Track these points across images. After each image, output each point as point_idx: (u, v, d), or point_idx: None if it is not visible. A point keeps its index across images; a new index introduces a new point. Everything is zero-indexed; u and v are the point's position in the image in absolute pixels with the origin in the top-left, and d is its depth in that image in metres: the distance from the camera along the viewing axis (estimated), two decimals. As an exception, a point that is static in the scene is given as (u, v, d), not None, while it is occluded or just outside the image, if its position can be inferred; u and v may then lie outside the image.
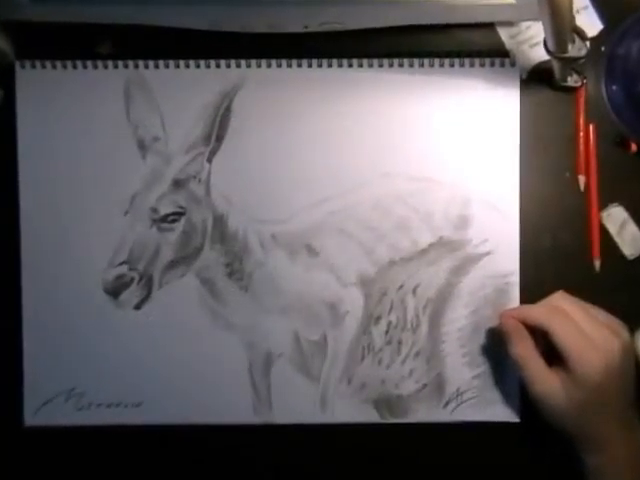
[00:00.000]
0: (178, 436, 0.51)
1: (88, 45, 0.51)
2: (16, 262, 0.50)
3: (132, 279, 0.50)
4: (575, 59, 0.45)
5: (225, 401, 0.51)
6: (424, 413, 0.51)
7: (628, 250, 0.51)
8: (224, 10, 0.47)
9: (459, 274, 0.51)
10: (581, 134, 0.51)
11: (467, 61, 0.51)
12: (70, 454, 0.51)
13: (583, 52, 0.44)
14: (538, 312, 0.47)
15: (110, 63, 0.51)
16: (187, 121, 0.50)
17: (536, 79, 0.51)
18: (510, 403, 0.51)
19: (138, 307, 0.50)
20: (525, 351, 0.46)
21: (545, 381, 0.45)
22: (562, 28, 0.42)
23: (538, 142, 0.51)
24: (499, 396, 0.51)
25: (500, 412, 0.50)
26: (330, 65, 0.50)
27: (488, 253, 0.51)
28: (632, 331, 0.48)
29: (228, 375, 0.51)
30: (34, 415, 0.51)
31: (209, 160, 0.50)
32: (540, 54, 0.49)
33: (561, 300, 0.47)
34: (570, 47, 0.44)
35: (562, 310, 0.46)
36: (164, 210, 0.50)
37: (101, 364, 0.51)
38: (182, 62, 0.51)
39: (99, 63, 0.51)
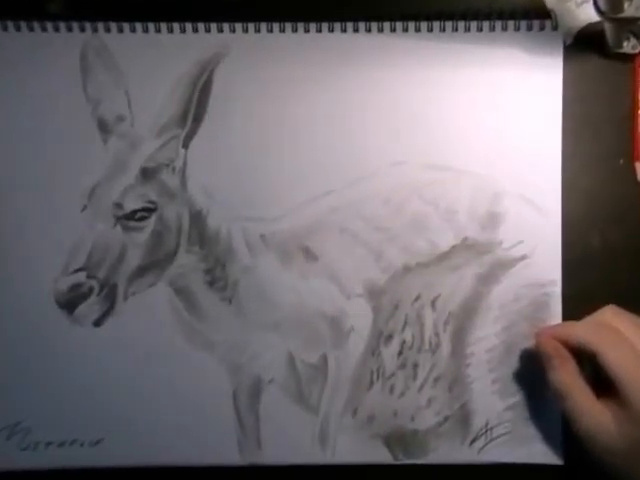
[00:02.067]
0: (146, 481, 0.49)
1: (35, 2, 0.49)
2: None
3: (91, 289, 0.47)
4: (633, 20, 0.43)
5: (204, 438, 0.49)
6: (446, 452, 0.49)
7: (695, 256, 0.49)
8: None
9: (488, 283, 0.49)
10: (639, 112, 0.49)
11: (499, 24, 0.48)
12: (12, 504, 0.49)
13: (643, 11, 0.43)
14: (583, 330, 0.44)
15: (63, 25, 0.48)
16: (158, 97, 0.48)
17: (583, 45, 0.48)
18: (551, 441, 0.48)
19: (98, 323, 0.48)
20: (568, 378, 0.43)
21: (593, 415, 0.42)
22: (617, -19, 0.40)
23: (585, 122, 0.49)
24: (537, 432, 0.48)
25: (539, 452, 0.48)
26: (331, 30, 0.48)
27: (523, 257, 0.48)
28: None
29: (207, 405, 0.48)
30: (-32, 456, 0.49)
31: (185, 145, 0.48)
32: (589, 14, 0.47)
33: (612, 316, 0.45)
34: (627, 5, 0.42)
35: (613, 328, 0.44)
36: (130, 205, 0.48)
37: (52, 393, 0.48)
38: (152, 25, 0.48)
39: (49, 25, 0.48)
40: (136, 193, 0.48)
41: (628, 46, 0.47)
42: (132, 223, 0.48)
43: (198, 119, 0.48)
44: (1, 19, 0.48)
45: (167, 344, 0.48)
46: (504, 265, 0.48)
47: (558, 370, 0.44)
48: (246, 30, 0.48)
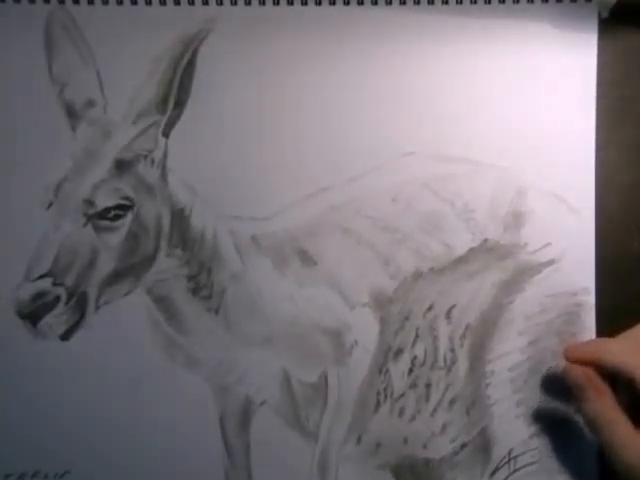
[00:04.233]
0: (119, 519, 0.48)
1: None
2: None
3: (57, 298, 0.46)
4: (680, -11, 0.41)
5: (186, 468, 0.47)
6: (463, 485, 0.47)
7: None
8: None
9: (510, 291, 0.48)
10: (685, 96, 0.46)
11: (524, -5, 0.47)
12: None
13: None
14: (618, 351, 0.43)
15: (24, -5, 0.46)
16: (134, 79, 0.47)
17: (621, 19, 0.47)
18: (584, 473, 0.47)
19: (66, 337, 0.46)
20: (604, 410, 0.42)
21: (634, 448, 0.41)
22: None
23: (623, 107, 0.48)
24: (569, 463, 0.47)
25: (570, 485, 0.47)
26: (333, 2, 0.47)
27: (551, 262, 0.48)
28: None
29: (190, 431, 0.47)
30: None
31: (165, 134, 0.47)
32: (628, -17, 0.45)
33: None
34: (674, -29, 0.41)
35: None
36: (103, 202, 0.46)
37: (11, 417, 0.47)
38: (127, -4, 0.47)
39: (8, -6, 0.46)
40: (109, 188, 0.46)
41: (674, 20, 0.46)
42: (105, 222, 0.46)
43: (180, 104, 0.47)
44: (-50, -14, 0.45)
45: (144, 361, 0.47)
46: (529, 271, 0.47)
47: (592, 402, 0.42)
48: (235, 2, 0.47)
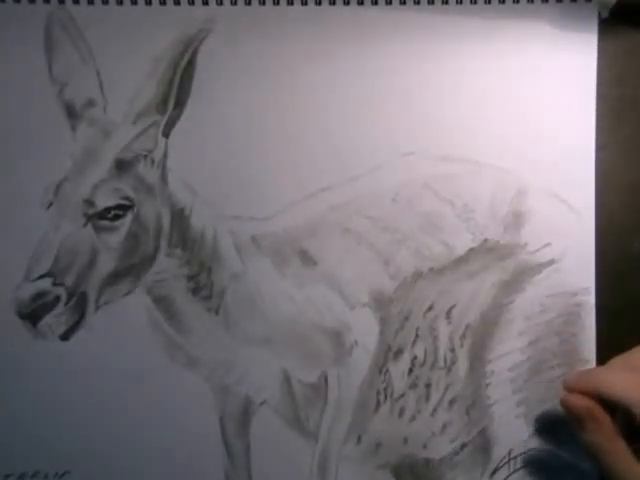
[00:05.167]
0: (119, 519, 0.47)
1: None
2: None
3: (57, 298, 0.46)
4: (680, -11, 0.41)
5: (186, 468, 0.47)
6: (463, 485, 0.47)
7: None
8: None
9: (510, 291, 0.48)
10: (685, 96, 0.46)
11: (524, -6, 0.46)
12: None
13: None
14: (618, 383, 0.42)
15: (24, -6, 0.46)
16: (134, 79, 0.47)
17: (621, 19, 0.47)
18: (584, 472, 0.47)
19: (66, 337, 0.46)
20: (604, 441, 0.42)
21: (633, 474, 0.41)
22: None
23: (623, 107, 0.47)
24: (568, 463, 0.47)
25: (571, 484, 0.46)
26: (333, 2, 0.47)
27: (551, 262, 0.47)
28: None
29: (190, 431, 0.47)
30: None
31: (165, 134, 0.47)
32: (628, -17, 0.44)
33: None
34: (673, -29, 0.41)
35: None
36: (103, 202, 0.46)
37: (11, 417, 0.47)
38: (127, -4, 0.46)
39: (8, -6, 0.45)
40: (109, 188, 0.46)
41: (674, 20, 0.45)
42: (105, 222, 0.46)
43: (180, 104, 0.46)
44: (-51, -13, 0.45)
45: (144, 361, 0.47)
46: (529, 271, 0.47)
47: (592, 433, 0.42)
48: (235, 2, 0.46)
